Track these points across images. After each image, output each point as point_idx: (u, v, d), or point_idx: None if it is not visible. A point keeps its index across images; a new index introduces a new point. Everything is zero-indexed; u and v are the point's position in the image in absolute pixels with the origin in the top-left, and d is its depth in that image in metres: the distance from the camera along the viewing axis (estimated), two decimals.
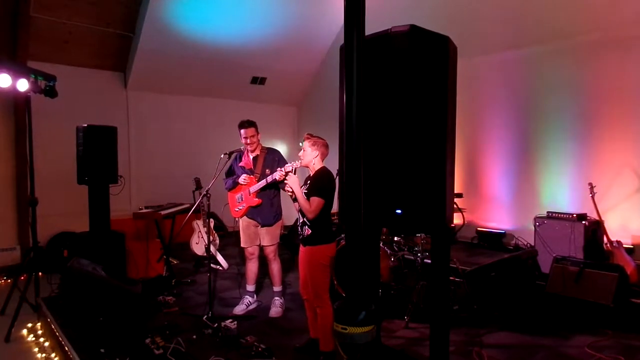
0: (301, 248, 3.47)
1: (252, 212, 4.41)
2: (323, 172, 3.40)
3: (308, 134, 3.51)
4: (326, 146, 3.48)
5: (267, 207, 4.36)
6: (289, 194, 3.45)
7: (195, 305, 4.65)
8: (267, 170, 4.28)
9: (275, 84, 9.18)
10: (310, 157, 3.42)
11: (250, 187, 4.31)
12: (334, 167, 3.45)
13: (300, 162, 3.50)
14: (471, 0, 6.49)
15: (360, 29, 1.60)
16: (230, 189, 4.52)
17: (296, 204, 3.50)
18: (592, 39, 5.61)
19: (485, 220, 6.86)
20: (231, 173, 4.57)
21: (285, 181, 3.45)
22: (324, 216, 3.33)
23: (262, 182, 4.20)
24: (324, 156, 3.47)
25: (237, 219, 4.58)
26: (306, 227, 3.37)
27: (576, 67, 5.83)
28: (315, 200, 3.28)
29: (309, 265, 3.36)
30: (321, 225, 3.32)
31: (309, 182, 3.43)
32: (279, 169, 4.02)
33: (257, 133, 4.38)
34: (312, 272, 3.34)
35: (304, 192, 3.37)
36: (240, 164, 4.49)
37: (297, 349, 3.61)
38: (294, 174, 3.49)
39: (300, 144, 3.51)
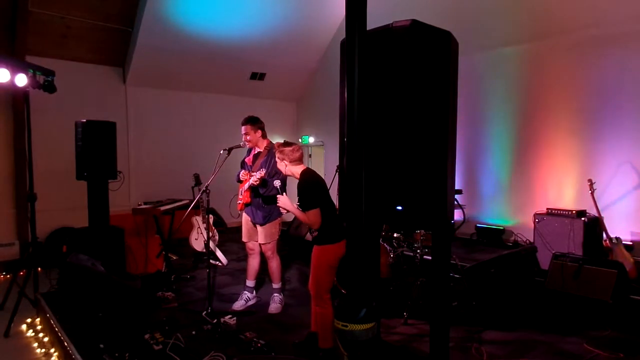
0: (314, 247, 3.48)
1: (246, 209, 4.41)
2: (304, 180, 3.37)
3: (276, 145, 3.53)
4: (295, 150, 3.46)
5: (258, 207, 4.32)
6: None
7: (194, 301, 4.65)
8: (262, 169, 4.23)
9: (274, 79, 9.16)
10: (286, 169, 3.47)
11: (244, 184, 4.31)
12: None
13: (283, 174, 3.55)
14: None
15: (362, 23, 1.59)
16: (238, 182, 4.52)
17: None
18: (592, 35, 5.60)
19: (484, 217, 6.86)
20: (242, 165, 4.58)
21: (279, 205, 3.42)
22: (327, 218, 3.32)
23: (246, 185, 4.22)
24: (297, 160, 3.45)
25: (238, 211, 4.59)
26: None
27: (576, 62, 5.82)
28: (311, 213, 3.27)
29: (314, 264, 3.37)
30: (325, 226, 3.31)
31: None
32: (252, 174, 4.04)
33: (256, 131, 4.33)
34: (316, 271, 3.34)
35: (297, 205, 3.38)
36: (246, 158, 4.49)
37: (296, 344, 3.60)
38: (282, 191, 3.50)
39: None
